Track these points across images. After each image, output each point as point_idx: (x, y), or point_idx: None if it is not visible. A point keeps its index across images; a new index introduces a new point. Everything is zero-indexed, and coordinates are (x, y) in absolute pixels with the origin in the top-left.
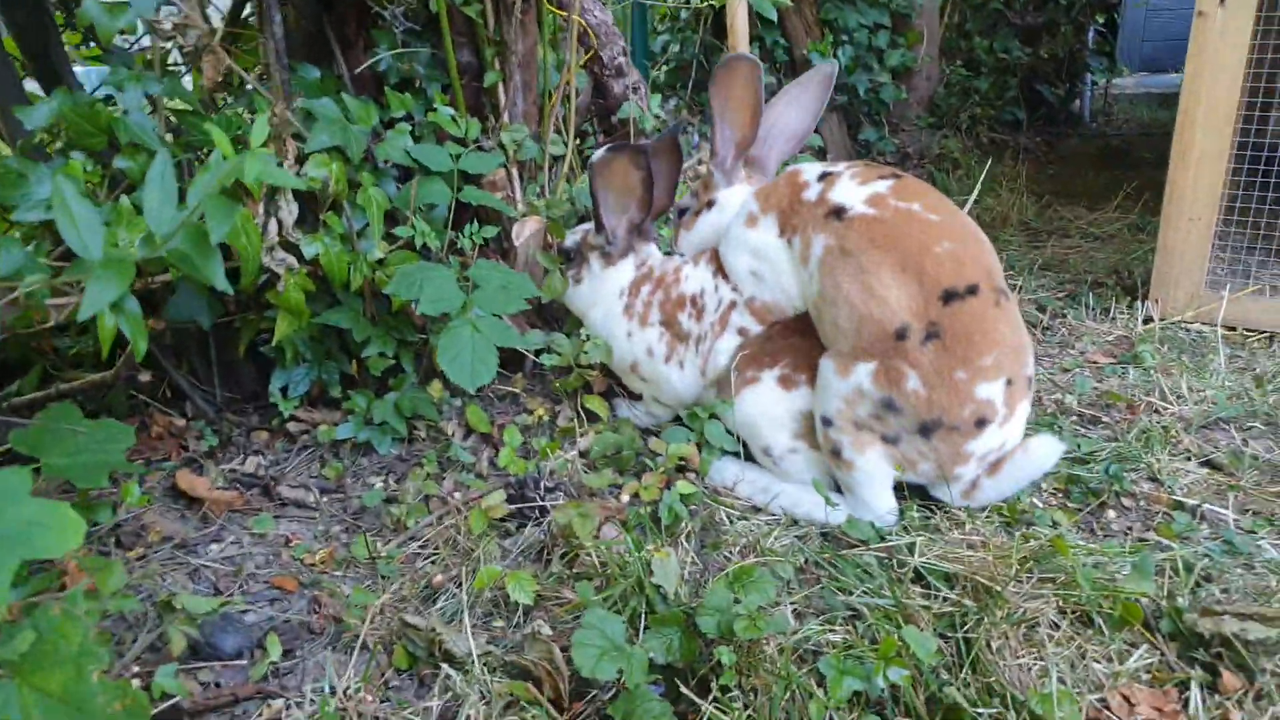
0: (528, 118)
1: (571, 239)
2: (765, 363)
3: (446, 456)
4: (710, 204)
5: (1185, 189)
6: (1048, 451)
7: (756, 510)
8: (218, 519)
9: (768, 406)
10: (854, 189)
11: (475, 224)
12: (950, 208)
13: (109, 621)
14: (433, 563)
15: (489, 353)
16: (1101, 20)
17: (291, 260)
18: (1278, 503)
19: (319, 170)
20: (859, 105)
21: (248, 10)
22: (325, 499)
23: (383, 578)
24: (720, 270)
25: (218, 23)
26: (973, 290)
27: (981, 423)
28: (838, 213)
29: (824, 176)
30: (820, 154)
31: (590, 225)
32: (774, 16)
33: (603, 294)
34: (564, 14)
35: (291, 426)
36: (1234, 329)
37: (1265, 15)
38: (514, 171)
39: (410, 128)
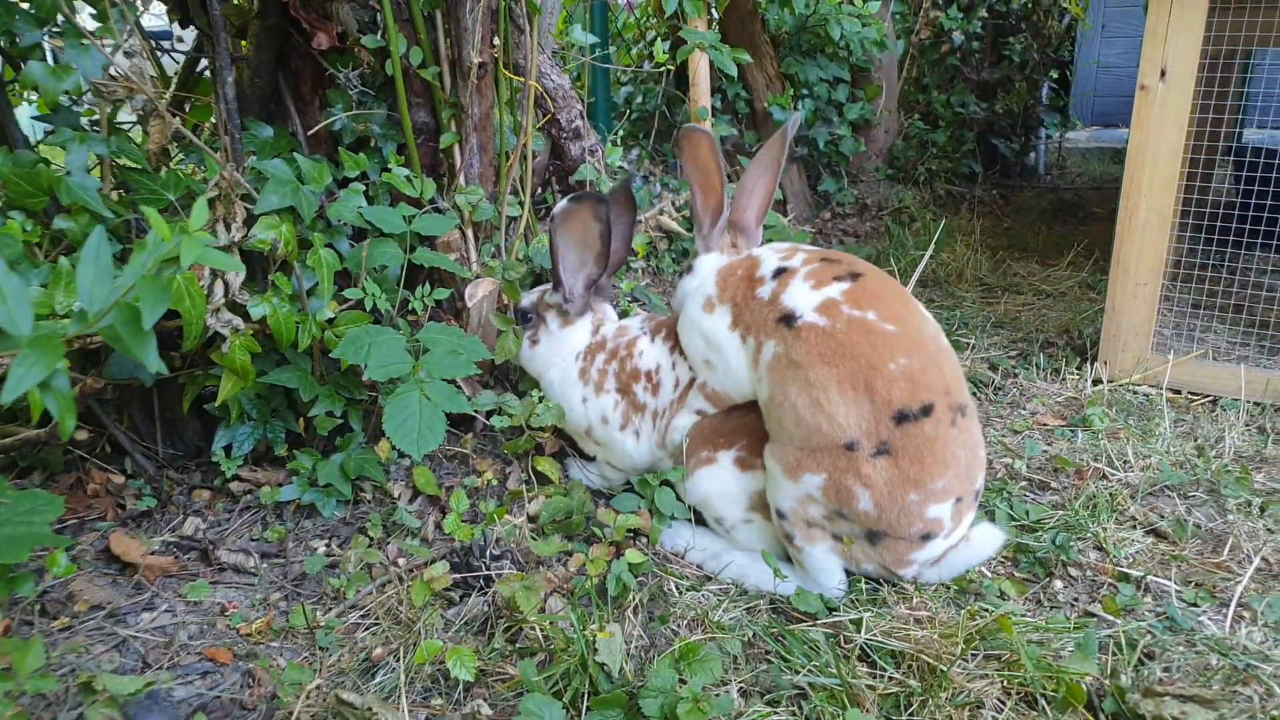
0: (484, 179)
1: (528, 299)
2: (721, 444)
3: (392, 520)
4: (689, 269)
5: (1131, 255)
6: (989, 542)
7: (706, 579)
8: (151, 585)
9: (724, 486)
10: (805, 293)
11: (427, 286)
12: (908, 314)
13: (26, 699)
14: (373, 633)
15: (436, 419)
16: (1055, 76)
17: (237, 321)
18: (1218, 574)
19: (267, 232)
20: (819, 157)
21: (204, 64)
22: (265, 564)
23: (321, 649)
24: (678, 347)
25: (172, 74)
26: (927, 411)
27: (928, 537)
28: (787, 320)
29: (779, 273)
30: (780, 206)
31: (547, 286)
32: (734, 72)
33: (560, 355)
34: (521, 79)
35: (234, 486)
36: (1179, 392)
37: (1204, 90)
38: (469, 233)
39: (364, 187)
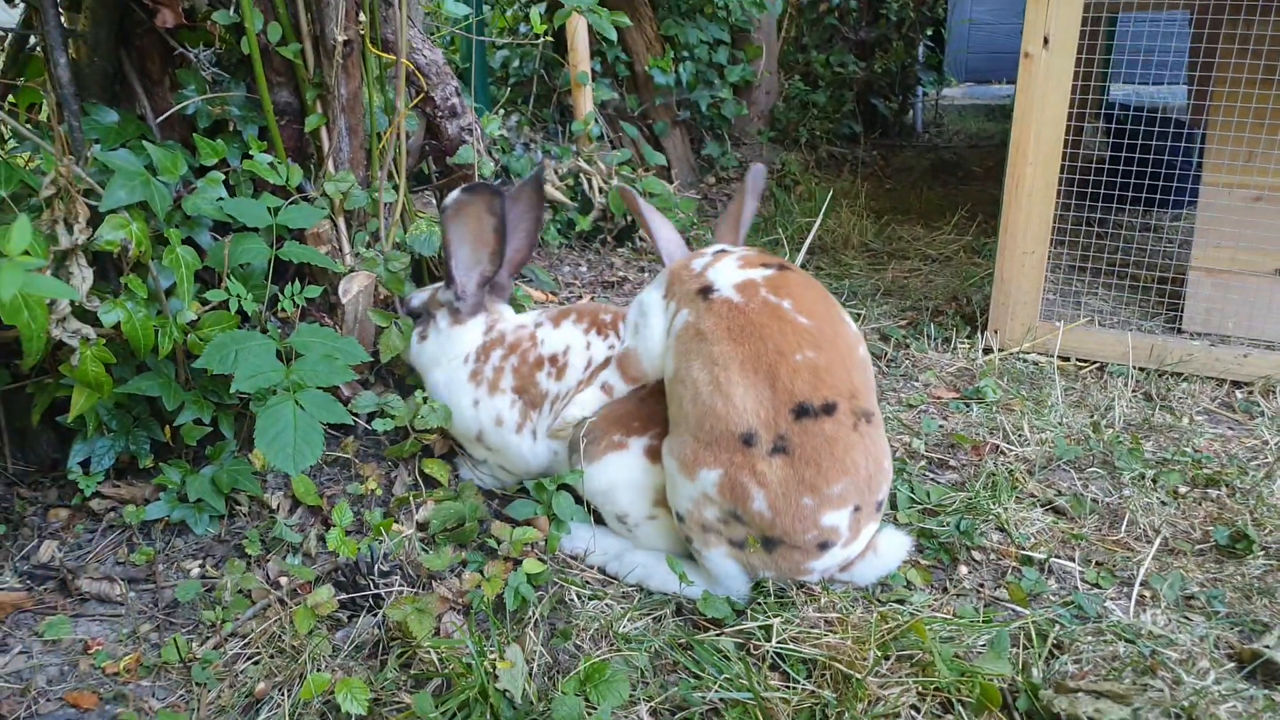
0: (355, 163)
1: (419, 298)
2: (636, 428)
3: (271, 535)
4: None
5: (1019, 223)
6: (895, 551)
7: (608, 586)
8: (1, 624)
9: (633, 476)
10: (731, 271)
11: (297, 283)
12: (827, 313)
13: None
14: (255, 663)
15: (313, 431)
16: (930, 34)
17: (87, 330)
18: (1118, 552)
19: (116, 232)
20: (701, 120)
21: (34, 41)
22: (133, 592)
23: (198, 685)
24: (596, 327)
25: None
26: (829, 409)
27: (825, 546)
28: (705, 291)
29: (718, 253)
30: (665, 172)
31: (440, 284)
32: (613, 35)
33: (448, 355)
34: (391, 56)
35: (95, 504)
36: (1068, 359)
37: (1085, 57)
38: (340, 223)
39: (225, 176)
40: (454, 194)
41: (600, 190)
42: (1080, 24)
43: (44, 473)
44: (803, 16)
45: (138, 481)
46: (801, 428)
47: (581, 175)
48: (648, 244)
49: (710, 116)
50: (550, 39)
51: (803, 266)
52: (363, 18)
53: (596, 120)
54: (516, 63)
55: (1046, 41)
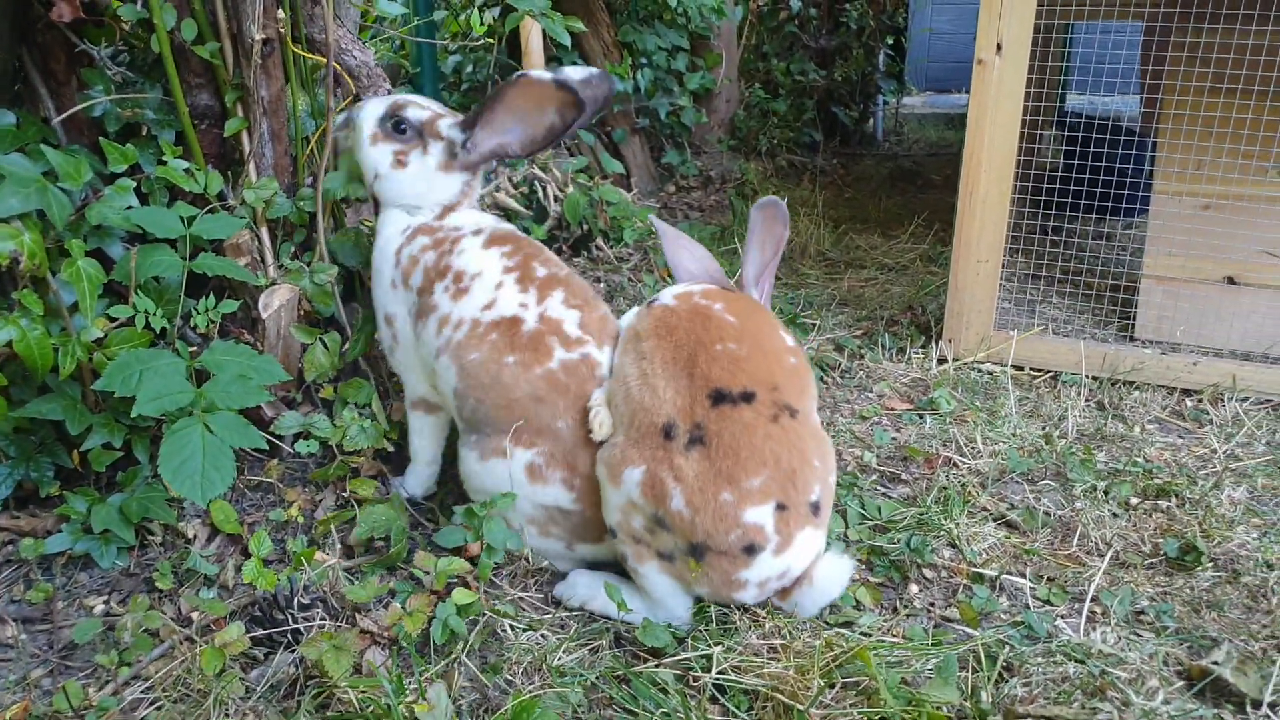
0: (280, 170)
1: (420, 112)
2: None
3: (185, 567)
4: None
5: (973, 232)
6: (837, 577)
7: (543, 614)
8: None
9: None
10: (680, 289)
11: (212, 298)
12: (758, 319)
13: None
14: (158, 709)
15: (223, 456)
16: (890, 43)
17: None
18: (1069, 568)
19: (5, 244)
20: (661, 128)
21: None
22: (25, 634)
23: None
24: (522, 273)
25: None
26: (747, 397)
27: (751, 549)
28: (651, 302)
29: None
30: (624, 180)
31: (459, 118)
32: (567, 40)
33: (415, 194)
34: (317, 56)
35: None
36: (1022, 369)
37: (1038, 64)
38: (263, 233)
39: (137, 183)
40: (539, 72)
41: (555, 198)
42: (1034, 30)
43: None
44: (763, 24)
45: (42, 511)
46: (718, 414)
47: (536, 182)
48: (603, 254)
49: (670, 124)
50: (503, 40)
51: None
52: (284, 15)
53: None
54: (470, 68)
55: (999, 48)
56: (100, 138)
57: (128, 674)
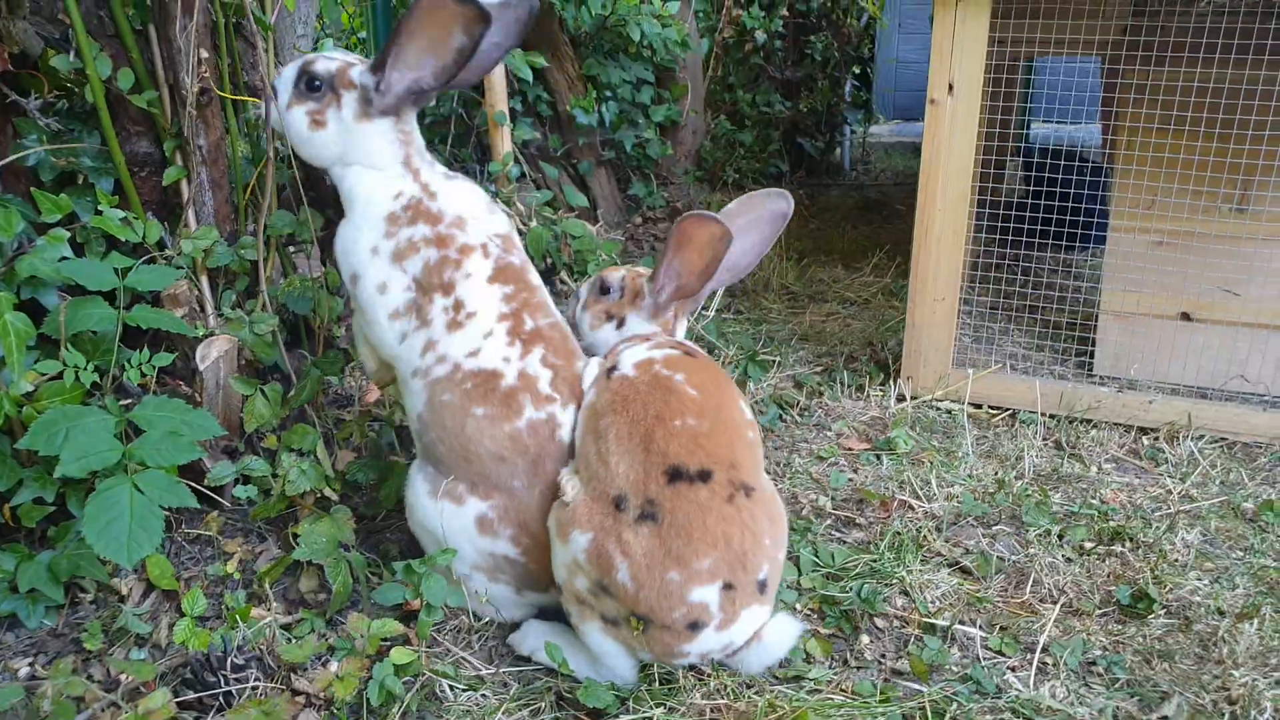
0: (221, 217)
1: (326, 64)
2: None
3: (116, 626)
4: (621, 321)
5: (929, 270)
6: (784, 638)
7: (484, 673)
8: None
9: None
10: (638, 353)
11: (146, 350)
12: (720, 391)
13: None
14: None
15: (152, 517)
16: (856, 73)
17: None
18: (1021, 616)
19: None
20: (627, 160)
21: None
22: None
23: None
24: (520, 336)
25: None
26: (704, 476)
27: (695, 626)
28: (609, 371)
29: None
30: (590, 213)
31: (359, 60)
32: (529, 75)
33: (363, 152)
34: (254, 99)
35: None
36: (980, 406)
37: (992, 91)
38: (203, 282)
39: (71, 233)
40: None
41: (520, 232)
42: (985, 71)
43: None
44: (728, 56)
45: None
46: (673, 492)
47: None
48: (567, 287)
49: (636, 156)
50: None
51: (718, 311)
52: (222, 63)
53: (517, 160)
54: (433, 102)
55: (951, 88)
56: (33, 188)
57: None
